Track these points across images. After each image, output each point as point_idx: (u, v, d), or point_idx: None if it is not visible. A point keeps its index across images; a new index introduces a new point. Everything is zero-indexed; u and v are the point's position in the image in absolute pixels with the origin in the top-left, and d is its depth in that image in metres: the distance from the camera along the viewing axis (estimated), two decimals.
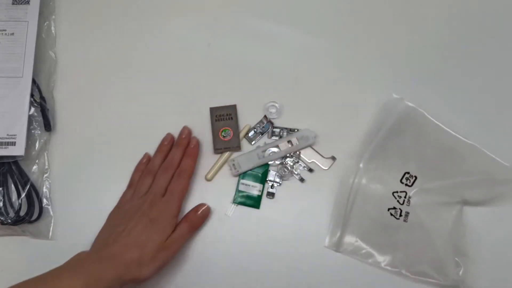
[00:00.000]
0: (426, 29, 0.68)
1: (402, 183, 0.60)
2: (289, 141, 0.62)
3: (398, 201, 0.60)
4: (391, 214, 0.59)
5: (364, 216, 0.60)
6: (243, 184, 0.61)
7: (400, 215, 0.59)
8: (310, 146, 0.62)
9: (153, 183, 0.59)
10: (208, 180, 0.61)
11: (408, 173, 0.60)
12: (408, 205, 0.60)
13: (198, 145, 0.62)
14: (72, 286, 0.48)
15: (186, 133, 0.62)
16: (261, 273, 0.59)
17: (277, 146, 0.62)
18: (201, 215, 0.59)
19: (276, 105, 0.64)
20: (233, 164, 0.61)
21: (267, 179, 0.62)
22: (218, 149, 0.62)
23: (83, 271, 0.50)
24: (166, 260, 0.55)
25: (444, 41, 0.67)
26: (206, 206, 0.60)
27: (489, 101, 0.65)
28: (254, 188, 0.61)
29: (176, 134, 0.63)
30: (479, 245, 0.59)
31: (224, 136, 0.62)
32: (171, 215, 0.56)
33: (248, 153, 0.62)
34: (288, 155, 0.62)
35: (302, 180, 0.61)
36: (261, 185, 0.61)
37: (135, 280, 0.52)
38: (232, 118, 0.63)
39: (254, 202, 0.61)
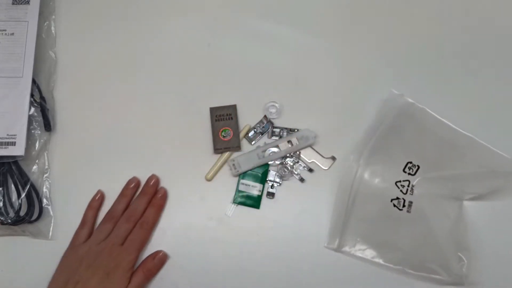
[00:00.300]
0: (426, 26, 0.68)
1: (405, 172, 0.60)
2: (289, 141, 0.62)
3: (401, 190, 0.60)
4: (394, 205, 0.59)
5: (365, 214, 0.60)
6: (243, 184, 0.61)
7: (404, 205, 0.59)
8: (310, 146, 0.62)
9: (112, 231, 0.58)
10: (208, 180, 0.61)
11: (411, 162, 0.60)
12: (412, 194, 0.60)
13: (165, 196, 0.61)
14: None
15: (154, 181, 0.61)
16: (261, 273, 0.59)
17: (277, 146, 0.62)
18: (158, 263, 0.58)
19: (276, 105, 0.64)
20: (233, 164, 0.61)
21: (267, 179, 0.62)
22: (218, 149, 0.62)
23: None
24: None
25: (443, 37, 0.67)
26: (162, 253, 0.58)
27: (489, 95, 0.65)
28: (254, 188, 0.61)
29: (175, 133, 0.63)
30: (482, 240, 0.59)
31: (224, 136, 0.62)
32: (128, 267, 0.55)
33: (248, 153, 0.62)
34: (288, 155, 0.62)
35: (302, 180, 0.61)
36: (261, 185, 0.61)
37: None
38: (232, 118, 0.63)
39: (254, 202, 0.61)
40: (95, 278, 0.53)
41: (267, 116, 0.63)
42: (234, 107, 0.63)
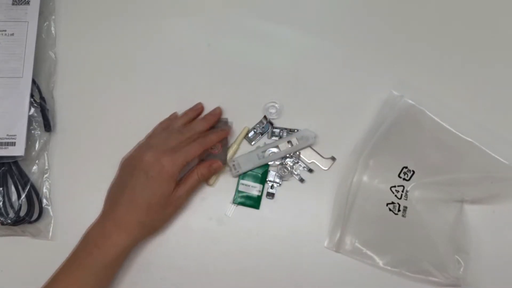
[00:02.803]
0: (426, 27, 0.68)
1: (400, 177, 0.60)
2: (289, 142, 0.62)
3: (395, 195, 0.60)
4: (390, 210, 0.59)
5: (364, 215, 0.60)
6: (243, 184, 0.61)
7: (399, 210, 0.59)
8: (310, 146, 0.62)
9: (165, 138, 0.59)
10: (210, 185, 0.61)
11: (406, 167, 0.60)
12: (406, 199, 0.60)
13: (229, 131, 0.62)
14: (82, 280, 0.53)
15: (218, 112, 0.63)
16: (261, 273, 0.59)
17: (277, 147, 0.62)
18: (213, 171, 0.60)
19: (276, 105, 0.64)
20: (233, 165, 0.61)
21: (267, 180, 0.62)
22: (203, 159, 0.61)
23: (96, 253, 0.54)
24: (173, 214, 0.59)
25: (444, 39, 0.67)
26: (218, 163, 0.60)
27: (489, 99, 0.65)
28: (254, 189, 0.61)
29: None
30: (479, 243, 0.59)
31: (212, 148, 0.61)
32: (173, 172, 0.56)
33: (248, 154, 0.62)
34: (288, 155, 0.62)
35: (302, 180, 0.61)
36: (261, 186, 0.61)
37: (146, 237, 0.58)
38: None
39: (254, 202, 0.61)
40: (138, 185, 0.55)
41: (267, 117, 0.63)
42: (227, 121, 0.63)
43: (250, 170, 0.61)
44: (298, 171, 0.62)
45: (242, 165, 0.61)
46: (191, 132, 0.59)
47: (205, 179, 0.60)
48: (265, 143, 0.63)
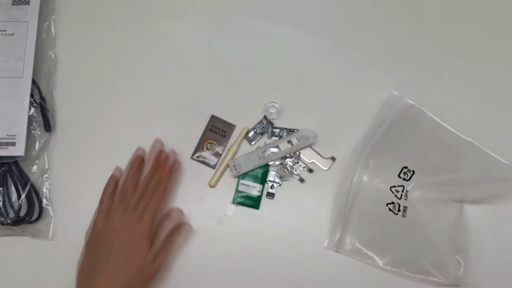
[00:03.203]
0: (426, 26, 0.68)
1: (400, 177, 0.60)
2: (289, 141, 0.62)
3: (395, 195, 0.60)
4: (390, 210, 0.59)
5: (364, 215, 0.60)
6: (243, 184, 0.61)
7: (399, 210, 0.59)
8: (310, 146, 0.62)
9: (125, 202, 0.56)
10: (212, 186, 0.61)
11: (406, 167, 0.60)
12: (406, 199, 0.60)
13: (176, 165, 0.60)
14: None
15: (159, 149, 0.60)
16: (261, 273, 0.59)
17: (277, 147, 0.62)
18: (185, 236, 0.58)
19: (276, 105, 0.64)
20: (234, 165, 0.61)
21: (267, 180, 0.62)
22: (196, 158, 0.62)
23: None
24: (151, 279, 0.54)
25: (444, 39, 0.67)
26: (188, 228, 0.58)
27: (489, 99, 0.65)
28: (254, 189, 0.61)
29: (175, 133, 0.63)
30: (479, 243, 0.59)
31: (208, 149, 0.61)
32: (144, 236, 0.54)
33: (249, 154, 0.62)
34: (288, 155, 0.62)
35: (302, 180, 0.61)
36: (261, 186, 0.61)
37: None
38: (224, 136, 0.63)
39: (253, 202, 0.61)
40: (111, 256, 0.52)
41: (267, 116, 0.63)
42: (232, 128, 0.63)
43: (251, 171, 0.61)
44: (298, 171, 0.62)
45: (242, 165, 0.61)
46: (143, 185, 0.57)
47: (178, 245, 0.58)
48: (265, 143, 0.63)
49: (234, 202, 0.61)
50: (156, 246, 0.55)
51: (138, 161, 0.59)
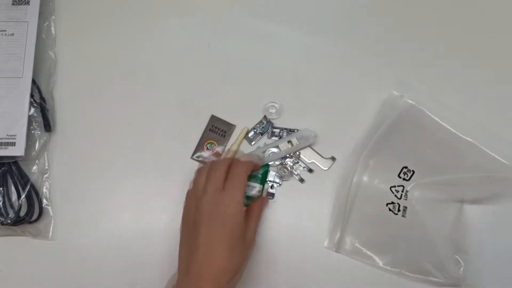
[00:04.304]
0: (426, 27, 0.68)
1: (400, 177, 0.60)
2: (289, 141, 0.62)
3: (395, 195, 0.60)
4: (390, 210, 0.59)
5: (364, 215, 0.60)
6: None
7: (399, 210, 0.59)
8: (310, 146, 0.62)
9: (207, 178, 0.54)
10: None
11: (406, 167, 0.60)
12: (406, 199, 0.60)
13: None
14: None
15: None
16: (260, 273, 0.59)
17: (277, 147, 0.62)
18: (264, 204, 0.60)
19: (276, 105, 0.64)
20: None
21: (267, 180, 0.61)
22: (195, 158, 0.62)
23: None
24: (251, 252, 0.55)
25: (444, 39, 0.67)
26: (265, 197, 0.60)
27: (489, 98, 0.65)
28: (254, 189, 0.61)
29: (175, 133, 0.63)
30: (479, 243, 0.59)
31: (207, 149, 0.62)
32: (238, 211, 0.52)
33: (248, 154, 0.62)
34: (288, 155, 0.62)
35: (302, 180, 0.61)
36: (261, 186, 0.61)
37: (231, 283, 0.51)
38: (224, 137, 0.63)
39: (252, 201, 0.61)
40: (208, 234, 0.51)
41: (267, 117, 0.63)
42: (232, 128, 0.63)
43: None
44: (298, 171, 0.62)
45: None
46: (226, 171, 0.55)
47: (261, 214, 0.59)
48: (265, 143, 0.63)
49: None
50: (250, 228, 0.55)
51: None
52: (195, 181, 0.55)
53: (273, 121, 0.63)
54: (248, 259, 0.55)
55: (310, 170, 0.62)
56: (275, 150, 0.61)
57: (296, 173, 0.62)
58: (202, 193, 0.53)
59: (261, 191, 0.61)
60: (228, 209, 0.52)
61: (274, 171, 0.62)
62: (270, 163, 0.62)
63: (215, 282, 0.49)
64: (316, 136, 0.62)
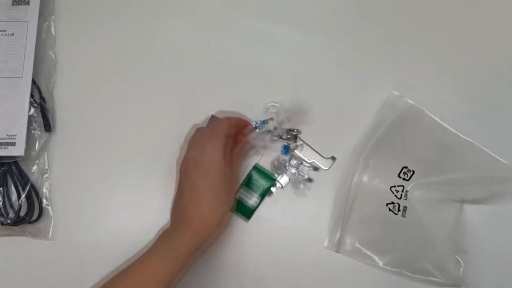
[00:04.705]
0: (426, 27, 0.68)
1: (400, 177, 0.60)
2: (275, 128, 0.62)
3: (395, 195, 0.60)
4: (390, 210, 0.60)
5: (364, 215, 0.60)
6: (242, 192, 0.61)
7: (399, 210, 0.59)
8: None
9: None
10: None
11: (406, 167, 0.61)
12: (406, 199, 0.60)
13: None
14: (160, 271, 0.50)
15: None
16: (260, 274, 0.59)
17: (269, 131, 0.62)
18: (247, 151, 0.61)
19: (276, 105, 0.64)
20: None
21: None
22: None
23: (168, 249, 0.52)
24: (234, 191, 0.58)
25: (445, 39, 0.67)
26: (249, 124, 0.61)
27: (489, 99, 0.65)
28: (252, 198, 0.60)
29: (175, 133, 0.63)
30: (479, 243, 0.59)
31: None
32: (221, 134, 0.55)
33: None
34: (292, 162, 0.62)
35: (310, 180, 0.61)
36: (260, 199, 0.61)
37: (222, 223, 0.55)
38: None
39: (246, 211, 0.60)
40: (194, 173, 0.54)
41: (273, 119, 0.63)
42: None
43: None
44: (304, 171, 0.62)
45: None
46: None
47: (249, 147, 0.61)
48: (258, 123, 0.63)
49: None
50: (231, 161, 0.57)
51: None
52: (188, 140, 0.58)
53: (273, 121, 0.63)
54: (233, 200, 0.57)
55: (316, 169, 0.62)
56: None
57: (302, 174, 0.61)
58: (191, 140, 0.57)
59: (258, 203, 0.61)
60: (207, 154, 0.54)
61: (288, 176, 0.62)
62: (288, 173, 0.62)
63: (204, 224, 0.52)
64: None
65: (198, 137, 0.57)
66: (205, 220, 0.53)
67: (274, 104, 0.64)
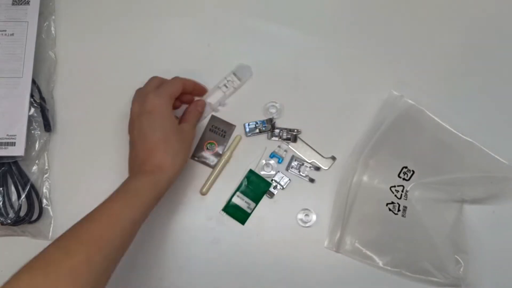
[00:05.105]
0: (427, 27, 0.68)
1: (400, 177, 0.60)
2: (228, 80, 0.63)
3: (395, 195, 0.60)
4: (390, 209, 0.60)
5: (364, 215, 0.60)
6: (238, 196, 0.61)
7: (398, 210, 0.59)
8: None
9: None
10: (204, 194, 0.61)
11: (406, 167, 0.61)
12: (406, 199, 0.60)
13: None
14: (125, 217, 0.50)
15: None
16: (261, 273, 0.59)
17: (224, 86, 0.63)
18: (200, 108, 0.62)
19: (276, 105, 0.64)
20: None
21: (273, 179, 0.61)
22: (195, 158, 0.62)
23: (130, 197, 0.52)
24: (190, 147, 0.58)
25: (445, 39, 0.67)
26: (202, 101, 0.62)
27: (489, 99, 0.65)
28: (246, 204, 0.61)
29: None
30: (479, 243, 0.59)
31: (207, 149, 0.62)
32: (164, 104, 0.56)
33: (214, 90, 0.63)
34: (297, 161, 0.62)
35: (312, 180, 0.61)
36: (254, 204, 0.61)
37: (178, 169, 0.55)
38: (224, 137, 0.63)
39: (241, 216, 0.60)
40: (143, 123, 0.55)
41: (272, 119, 0.63)
42: (232, 128, 0.63)
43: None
44: (306, 171, 0.62)
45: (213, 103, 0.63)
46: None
47: (199, 114, 0.61)
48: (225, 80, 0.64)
49: (223, 210, 0.61)
50: (184, 124, 0.58)
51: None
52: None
53: (274, 120, 0.63)
54: (189, 153, 0.59)
55: (318, 168, 0.62)
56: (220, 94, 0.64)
57: (304, 174, 0.61)
58: (137, 95, 0.58)
59: (253, 209, 0.61)
60: (155, 104, 0.55)
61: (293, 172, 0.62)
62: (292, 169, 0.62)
63: (162, 171, 0.53)
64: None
65: (142, 90, 0.58)
66: (163, 168, 0.53)
67: (274, 104, 0.64)
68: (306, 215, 0.60)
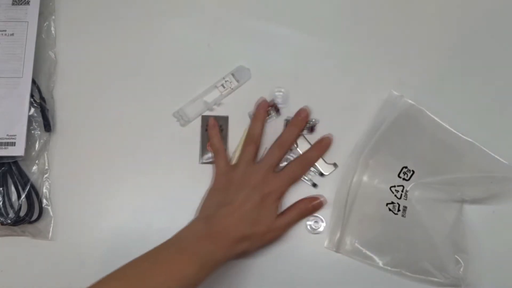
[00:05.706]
0: (427, 27, 0.68)
1: (400, 177, 0.60)
2: (226, 81, 0.63)
3: (395, 195, 0.60)
4: (390, 210, 0.59)
5: (364, 215, 0.60)
6: None
7: (398, 210, 0.59)
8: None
9: (265, 156, 0.58)
10: None
11: (406, 167, 0.60)
12: (406, 199, 0.60)
13: (330, 143, 0.61)
14: (187, 271, 0.48)
15: (304, 115, 0.60)
16: (261, 273, 0.59)
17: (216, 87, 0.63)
18: (312, 209, 0.59)
19: (282, 90, 0.64)
20: (180, 115, 0.62)
21: None
22: (204, 162, 0.62)
23: (196, 252, 0.50)
24: (273, 240, 0.57)
25: (444, 38, 0.67)
26: (319, 201, 0.60)
27: (489, 99, 0.65)
28: None
29: (175, 133, 0.63)
30: (479, 243, 0.59)
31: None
32: (278, 196, 0.56)
33: (194, 102, 0.63)
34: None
35: (315, 185, 0.61)
36: None
37: (241, 256, 0.55)
38: (222, 130, 0.63)
39: None
40: (251, 200, 0.53)
41: (277, 106, 0.63)
42: (226, 119, 0.63)
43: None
44: (309, 175, 0.61)
45: (188, 113, 0.62)
46: (288, 145, 0.59)
47: (306, 215, 0.59)
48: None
49: None
50: (281, 219, 0.56)
51: (262, 111, 0.60)
52: (244, 150, 0.58)
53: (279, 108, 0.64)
54: (263, 246, 0.57)
55: (321, 174, 0.62)
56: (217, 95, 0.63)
57: (307, 178, 0.61)
58: (252, 162, 0.57)
59: None
60: (272, 194, 0.55)
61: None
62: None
63: (231, 247, 0.52)
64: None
65: (246, 158, 0.57)
66: (240, 255, 0.53)
67: (280, 90, 0.64)
68: (316, 221, 0.60)
